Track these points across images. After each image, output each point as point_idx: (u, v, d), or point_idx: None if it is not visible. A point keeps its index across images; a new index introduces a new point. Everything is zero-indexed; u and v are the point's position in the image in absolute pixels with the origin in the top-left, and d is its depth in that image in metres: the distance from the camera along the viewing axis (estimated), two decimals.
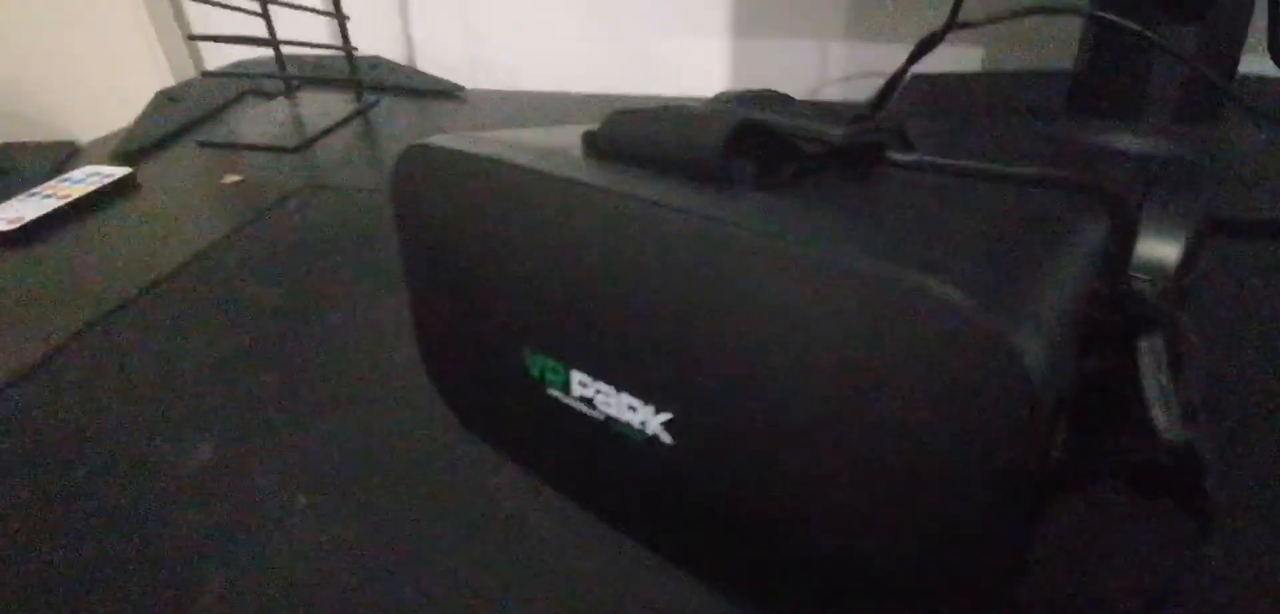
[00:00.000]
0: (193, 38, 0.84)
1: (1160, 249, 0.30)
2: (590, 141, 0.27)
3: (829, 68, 0.94)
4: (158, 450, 0.39)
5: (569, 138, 0.29)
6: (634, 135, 0.25)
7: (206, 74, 0.95)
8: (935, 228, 0.22)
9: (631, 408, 0.25)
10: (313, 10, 0.88)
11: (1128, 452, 0.23)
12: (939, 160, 0.28)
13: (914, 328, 0.18)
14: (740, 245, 0.20)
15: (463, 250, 0.29)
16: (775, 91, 0.35)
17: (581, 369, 0.26)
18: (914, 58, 0.64)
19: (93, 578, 0.32)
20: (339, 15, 0.87)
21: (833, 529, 0.21)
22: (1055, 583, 0.27)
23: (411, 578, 0.30)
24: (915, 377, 0.18)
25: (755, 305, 0.20)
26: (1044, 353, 0.17)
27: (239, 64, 1.00)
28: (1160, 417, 0.22)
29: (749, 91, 0.34)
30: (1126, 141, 0.57)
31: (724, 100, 0.33)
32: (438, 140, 0.29)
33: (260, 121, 0.85)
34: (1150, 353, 0.22)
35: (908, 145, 0.30)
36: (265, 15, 0.83)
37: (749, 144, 0.25)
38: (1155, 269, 0.30)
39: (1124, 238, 0.28)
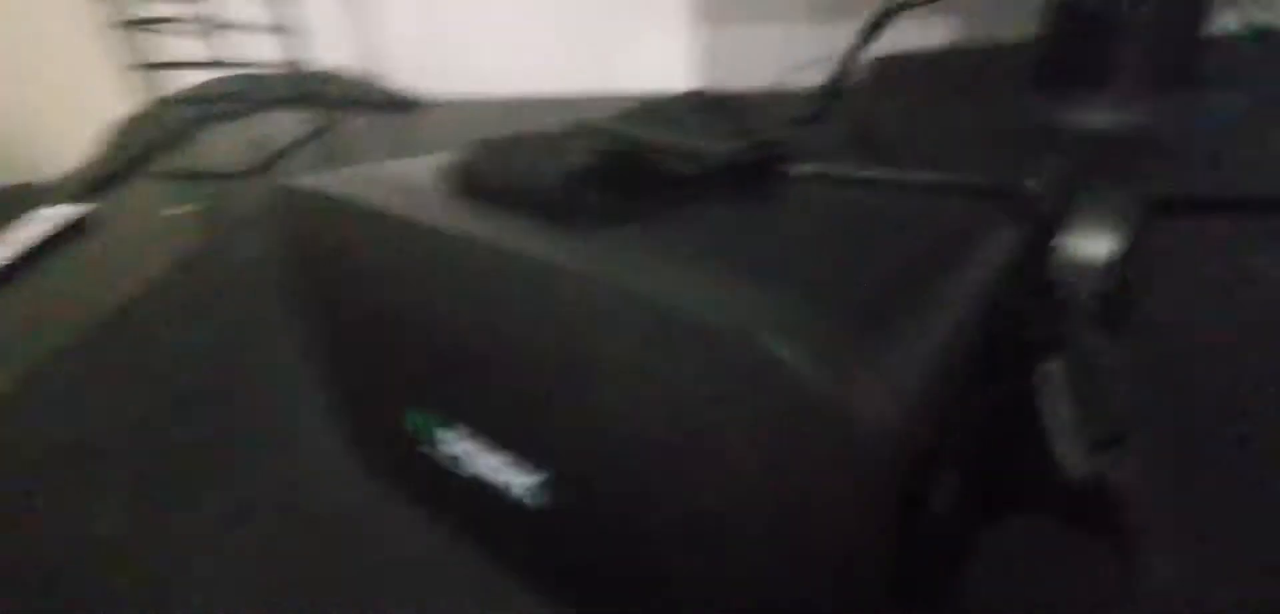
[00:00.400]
0: (147, 66, 0.83)
1: (1090, 247, 0.28)
2: (452, 177, 0.25)
3: (796, 52, 0.91)
4: (70, 519, 0.38)
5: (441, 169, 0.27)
6: (491, 170, 0.23)
7: (160, 101, 0.94)
8: (803, 259, 0.20)
9: (496, 468, 0.23)
10: (269, 28, 0.87)
11: (1040, 487, 0.21)
12: (836, 171, 0.26)
13: (746, 385, 0.16)
14: (572, 289, 0.18)
15: (334, 297, 0.27)
16: (715, 93, 0.33)
17: (448, 425, 0.24)
18: (866, 37, 0.61)
19: None
20: (294, 33, 0.85)
21: (677, 578, 0.19)
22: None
23: None
24: (753, 439, 0.16)
25: (592, 356, 0.18)
26: (893, 409, 0.15)
27: (199, 88, 0.99)
28: (1065, 450, 0.20)
29: (687, 94, 0.32)
30: (1090, 116, 0.54)
31: (651, 105, 0.30)
32: (305, 181, 0.27)
33: (217, 147, 0.83)
34: (1051, 381, 0.20)
35: (883, 137, 0.28)
36: (217, 39, 0.82)
37: (614, 172, 0.23)
38: (1085, 268, 0.28)
39: (1040, 242, 0.26)
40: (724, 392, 0.16)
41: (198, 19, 0.83)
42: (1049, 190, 0.27)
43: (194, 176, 0.78)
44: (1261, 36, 0.63)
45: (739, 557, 0.18)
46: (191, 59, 0.81)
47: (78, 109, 0.97)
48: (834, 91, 0.57)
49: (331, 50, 1.00)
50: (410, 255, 0.23)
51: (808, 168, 0.26)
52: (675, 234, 0.20)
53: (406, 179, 0.26)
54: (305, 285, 0.29)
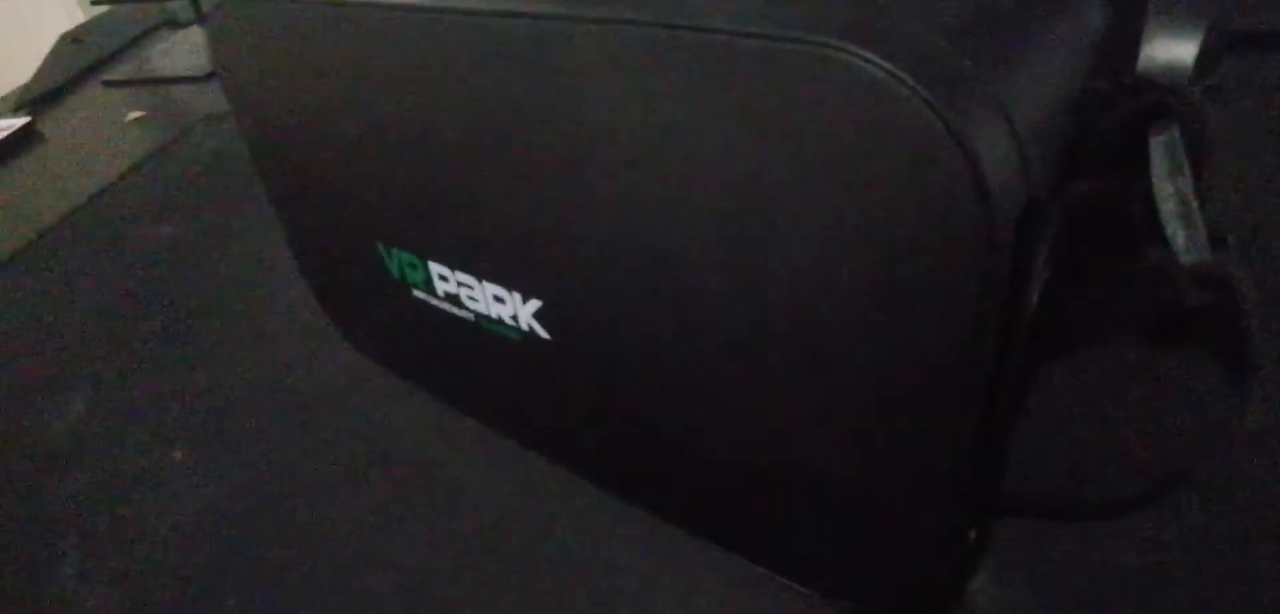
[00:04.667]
0: None
1: (1174, 46, 0.24)
2: None
3: None
4: (29, 412, 0.34)
5: None
6: None
7: (110, 10, 0.86)
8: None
9: (499, 300, 0.19)
10: None
11: (1140, 290, 0.18)
12: None
13: (828, 116, 0.12)
14: (590, 43, 0.14)
15: (295, 122, 0.23)
16: None
17: (438, 260, 0.20)
18: None
19: None
20: None
21: (733, 413, 0.16)
22: (1049, 470, 0.22)
23: (295, 530, 0.26)
24: (831, 185, 0.12)
25: (616, 120, 0.14)
26: (1013, 151, 0.12)
27: None
28: (1180, 236, 0.16)
29: None
30: None
31: None
32: None
33: (169, 53, 0.77)
34: (1165, 150, 0.17)
35: None
36: None
37: None
38: (1168, 69, 0.24)
39: (1129, 21, 0.22)
40: (800, 127, 0.12)
41: None
42: None
43: (145, 82, 0.72)
44: None
45: (810, 338, 0.14)
46: None
47: (26, 23, 0.90)
48: None
49: None
50: (382, 44, 0.19)
51: None
52: None
53: None
54: (262, 115, 0.25)
